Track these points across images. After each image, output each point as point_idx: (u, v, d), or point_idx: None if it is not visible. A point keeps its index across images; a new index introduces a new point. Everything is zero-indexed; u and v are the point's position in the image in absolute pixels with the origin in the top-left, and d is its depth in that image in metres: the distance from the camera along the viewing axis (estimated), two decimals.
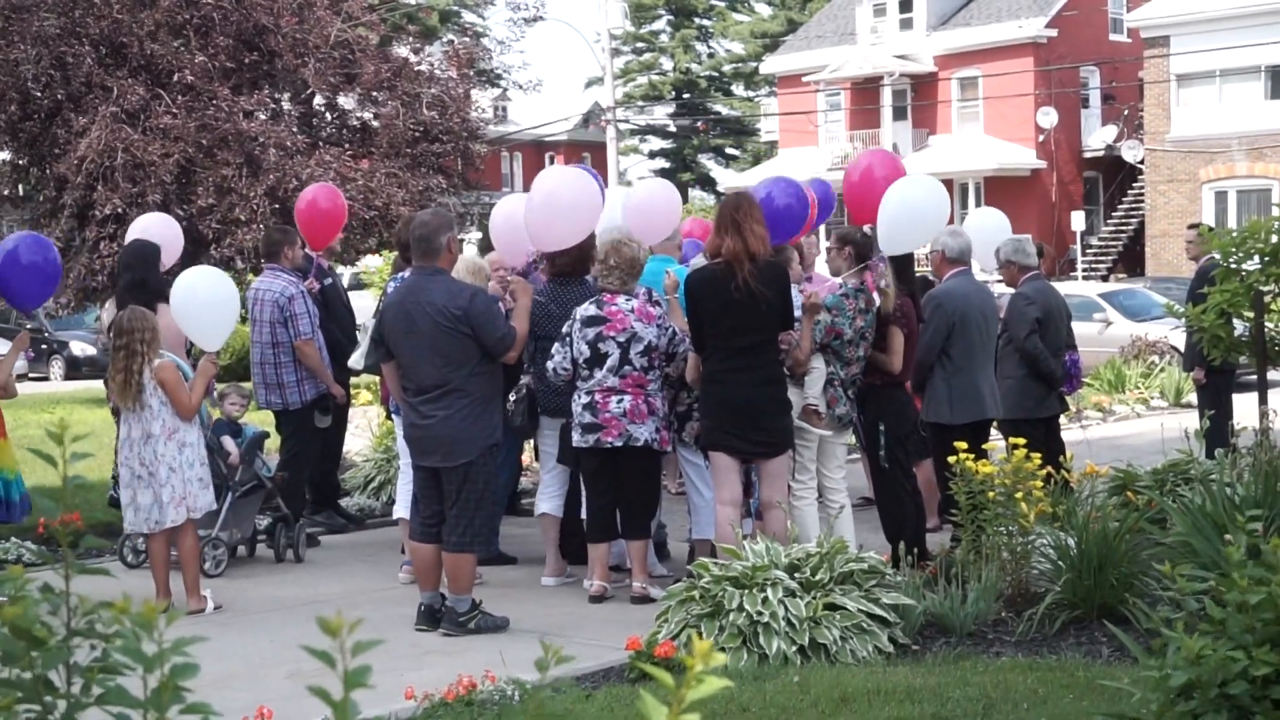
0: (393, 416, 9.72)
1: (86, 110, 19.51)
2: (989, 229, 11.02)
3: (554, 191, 8.94)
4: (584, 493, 8.77)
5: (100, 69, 19.64)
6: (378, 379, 10.46)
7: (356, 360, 9.93)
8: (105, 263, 19.23)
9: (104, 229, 19.43)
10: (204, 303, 8.98)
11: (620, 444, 8.34)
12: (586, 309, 8.47)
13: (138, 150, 19.00)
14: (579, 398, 8.45)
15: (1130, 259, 41.73)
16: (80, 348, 30.75)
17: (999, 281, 10.55)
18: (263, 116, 20.61)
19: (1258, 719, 4.05)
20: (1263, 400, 8.43)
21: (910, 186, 9.21)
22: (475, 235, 35.71)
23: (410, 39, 26.10)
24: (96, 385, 19.56)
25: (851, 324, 8.48)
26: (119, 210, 19.08)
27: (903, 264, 9.17)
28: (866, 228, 8.85)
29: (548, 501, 9.21)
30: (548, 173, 9.72)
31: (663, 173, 65.12)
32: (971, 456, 7.68)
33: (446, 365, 7.71)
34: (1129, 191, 43.49)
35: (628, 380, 8.34)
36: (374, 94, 22.13)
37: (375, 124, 22.08)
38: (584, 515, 8.91)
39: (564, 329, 8.51)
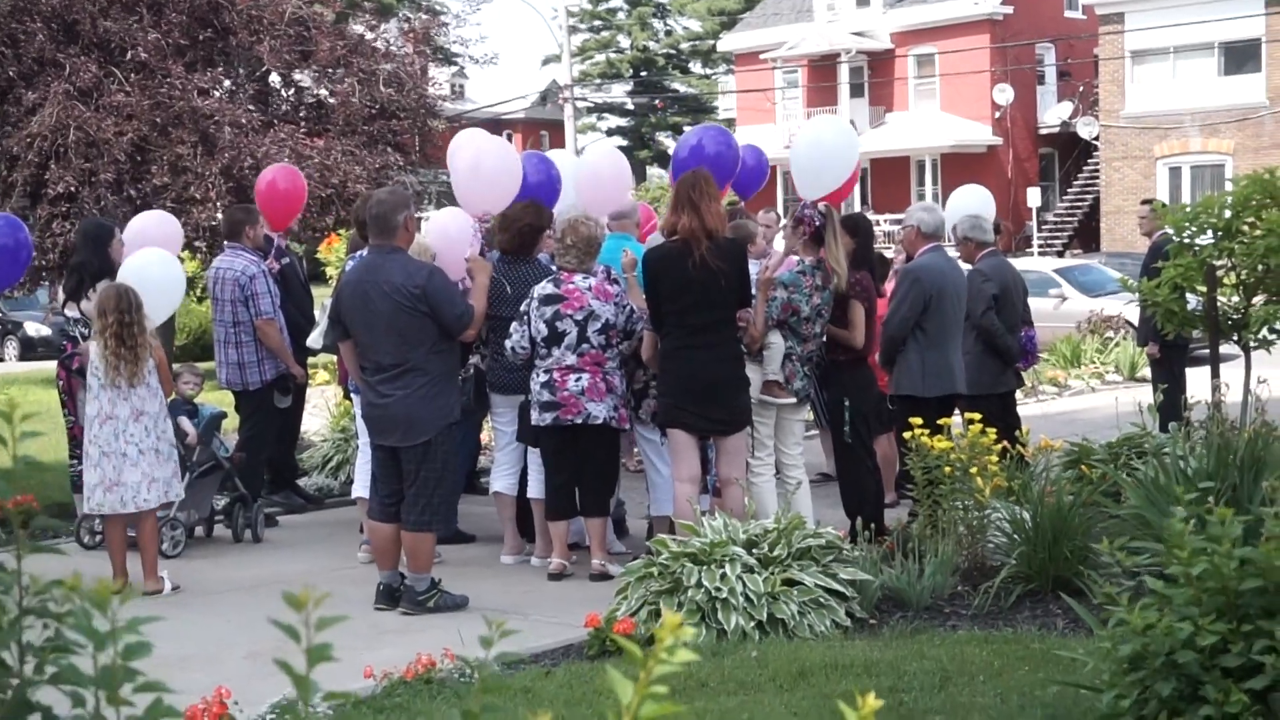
0: (350, 396, 9.70)
1: (38, 88, 19.32)
2: (974, 205, 11.17)
3: (476, 160, 9.16)
4: (542, 471, 8.77)
5: (52, 46, 19.44)
6: (335, 358, 10.43)
7: (315, 340, 9.90)
8: (58, 241, 19.06)
9: (56, 207, 19.25)
10: (152, 283, 9.02)
11: (579, 422, 8.35)
12: (544, 287, 8.46)
13: (90, 128, 18.83)
14: (537, 376, 8.45)
15: (1085, 235, 41.98)
16: (35, 328, 30.51)
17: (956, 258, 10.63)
18: (217, 94, 20.45)
19: (1207, 687, 4.10)
20: (1215, 374, 8.51)
21: (819, 128, 9.49)
22: (432, 213, 35.53)
23: (366, 15, 25.94)
24: (51, 366, 19.41)
25: (808, 301, 8.50)
26: (71, 189, 18.91)
27: (863, 239, 9.22)
28: (823, 206, 8.88)
29: (501, 480, 9.21)
30: (464, 139, 9.78)
31: (621, 150, 64.99)
32: (928, 432, 7.73)
33: (404, 344, 7.70)
34: (1084, 167, 43.71)
35: (586, 359, 8.35)
36: (330, 71, 21.99)
37: (332, 101, 21.95)
38: (531, 495, 8.93)
39: (521, 308, 8.51)
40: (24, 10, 19.51)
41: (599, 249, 8.60)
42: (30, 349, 30.37)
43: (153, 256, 9.61)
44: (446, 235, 8.79)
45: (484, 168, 9.25)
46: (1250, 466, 7.25)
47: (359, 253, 9.07)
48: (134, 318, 8.29)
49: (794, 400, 8.57)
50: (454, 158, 9.54)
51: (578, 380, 8.34)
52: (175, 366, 10.71)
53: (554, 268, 8.70)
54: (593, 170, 9.98)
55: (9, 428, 2.24)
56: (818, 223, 8.59)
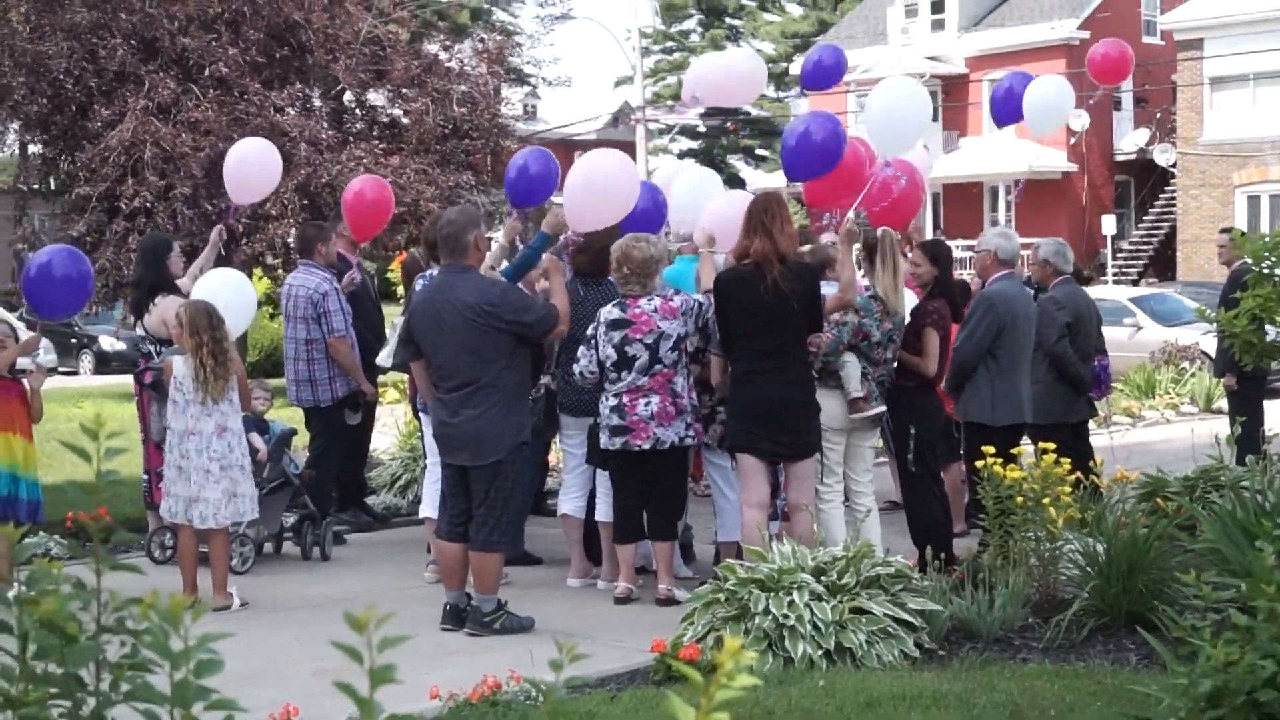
0: (419, 415, 9.73)
1: (116, 103, 19.58)
2: (1049, 97, 11.66)
3: (589, 175, 8.98)
4: (611, 494, 8.76)
5: (133, 61, 19.70)
6: (405, 377, 10.47)
7: (385, 358, 9.95)
8: (132, 256, 19.30)
9: (132, 223, 19.49)
10: (224, 302, 9.12)
11: (647, 447, 8.33)
12: (611, 312, 8.45)
13: (167, 143, 19.06)
14: (607, 400, 8.44)
15: (1161, 263, 41.51)
16: (109, 342, 30.88)
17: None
18: (293, 112, 20.66)
19: None
20: None
21: (890, 89, 9.47)
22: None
23: (441, 35, 26.13)
24: (126, 380, 19.64)
25: (879, 326, 8.44)
26: (147, 204, 19.14)
27: (943, 266, 9.14)
28: (879, 230, 8.78)
29: (570, 502, 9.20)
30: (588, 156, 9.80)
31: None
32: (1000, 461, 7.65)
33: (478, 361, 7.71)
34: (1160, 195, 43.25)
35: (657, 379, 8.33)
36: (404, 90, 22.16)
37: (405, 120, 22.11)
38: (599, 518, 8.92)
39: (589, 331, 8.51)
40: (104, 26, 19.79)
41: (657, 268, 8.56)
42: (105, 363, 30.73)
43: (226, 277, 9.75)
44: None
45: (604, 187, 9.11)
46: None
47: (429, 272, 9.11)
48: (223, 333, 8.43)
49: (882, 409, 8.51)
50: (586, 172, 9.43)
51: (647, 404, 8.32)
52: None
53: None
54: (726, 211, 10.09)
55: (94, 444, 2.25)
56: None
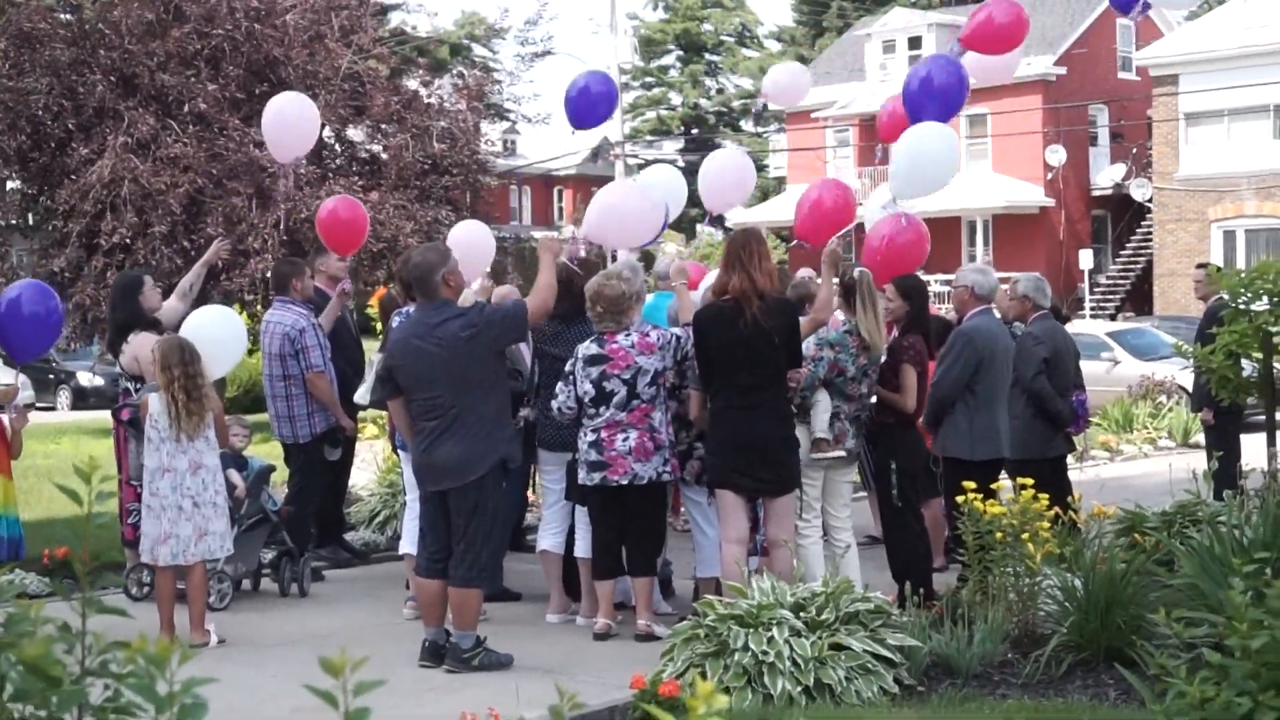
0: (398, 451, 9.72)
1: (96, 139, 19.58)
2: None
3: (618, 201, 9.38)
4: (589, 529, 8.76)
5: (111, 97, 19.70)
6: (385, 412, 10.46)
7: (362, 395, 9.92)
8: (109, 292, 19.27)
9: (111, 258, 19.46)
10: (213, 339, 9.12)
11: (626, 482, 8.34)
12: (589, 348, 8.47)
13: (146, 180, 19.05)
14: (585, 435, 8.45)
15: (1138, 298, 41.73)
16: (87, 378, 30.79)
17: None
18: None
19: None
20: (1271, 442, 8.42)
21: (921, 133, 9.41)
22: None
23: (420, 72, 26.20)
24: (103, 416, 19.55)
25: (854, 361, 8.48)
26: (126, 240, 19.12)
27: (916, 303, 9.19)
28: (856, 271, 8.83)
29: (549, 538, 9.19)
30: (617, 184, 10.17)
31: None
32: (980, 496, 7.67)
33: (459, 390, 7.70)
34: (1137, 230, 43.51)
35: (635, 413, 8.35)
36: (383, 126, 22.20)
37: (384, 156, 22.15)
38: (578, 554, 8.92)
39: (567, 367, 8.53)
40: (83, 63, 19.81)
41: (632, 302, 8.57)
42: (82, 399, 30.64)
43: (216, 312, 9.75)
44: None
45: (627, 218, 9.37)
46: None
47: (405, 310, 9.15)
48: (196, 369, 8.39)
49: (844, 454, 8.53)
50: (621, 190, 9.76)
51: (625, 440, 8.33)
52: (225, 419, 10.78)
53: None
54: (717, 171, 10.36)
55: (87, 488, 2.25)
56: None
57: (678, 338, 8.47)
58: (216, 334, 9.26)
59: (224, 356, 9.43)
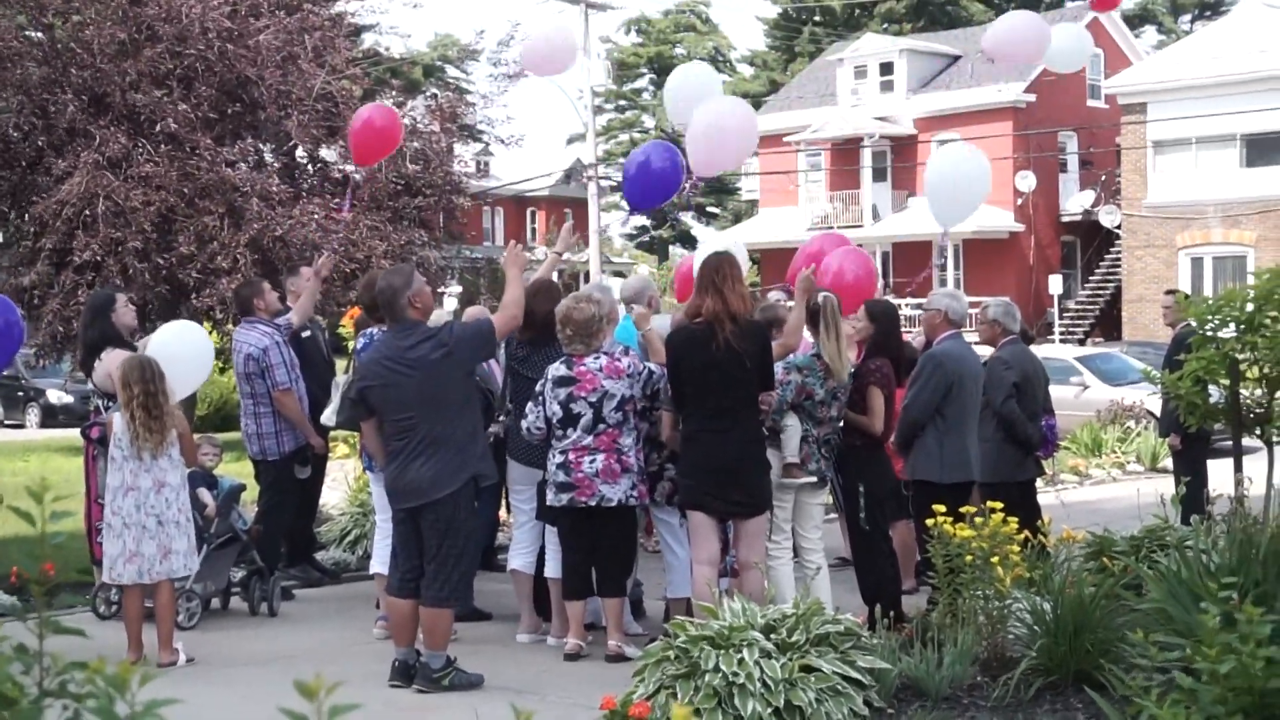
0: (369, 470, 9.69)
1: (67, 157, 19.49)
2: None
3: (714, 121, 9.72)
4: (560, 550, 8.74)
5: (83, 117, 19.63)
6: (356, 433, 10.44)
7: (329, 417, 9.88)
8: (81, 309, 19.15)
9: (82, 275, 19.36)
10: (176, 356, 9.09)
11: (593, 504, 8.34)
12: (558, 369, 8.49)
13: (119, 197, 18.97)
14: (554, 457, 8.45)
15: (1107, 323, 41.96)
16: (57, 395, 30.61)
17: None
18: (245, 166, 20.62)
19: None
20: (1238, 467, 8.46)
21: (949, 157, 9.62)
22: (455, 289, 35.68)
23: (394, 93, 26.18)
24: (73, 434, 19.44)
25: (823, 384, 8.49)
26: (97, 257, 19.03)
27: (882, 326, 9.22)
28: (820, 296, 8.87)
29: (519, 558, 9.18)
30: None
31: (643, 230, 65.34)
32: (950, 519, 7.68)
33: (432, 410, 7.70)
34: (1106, 256, 43.78)
35: (602, 439, 8.35)
36: None
37: (357, 176, 22.09)
38: (549, 574, 8.90)
39: (537, 388, 8.53)
40: (55, 82, 19.73)
41: (602, 324, 8.57)
42: (51, 416, 30.45)
43: (183, 329, 9.71)
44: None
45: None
46: (1274, 563, 7.17)
47: (369, 331, 9.14)
48: (158, 387, 8.33)
49: (813, 480, 8.54)
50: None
51: (592, 462, 8.33)
52: (194, 437, 10.73)
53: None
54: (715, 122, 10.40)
55: (39, 508, 2.24)
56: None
57: (652, 372, 8.47)
58: (181, 352, 9.24)
59: (190, 374, 9.40)
